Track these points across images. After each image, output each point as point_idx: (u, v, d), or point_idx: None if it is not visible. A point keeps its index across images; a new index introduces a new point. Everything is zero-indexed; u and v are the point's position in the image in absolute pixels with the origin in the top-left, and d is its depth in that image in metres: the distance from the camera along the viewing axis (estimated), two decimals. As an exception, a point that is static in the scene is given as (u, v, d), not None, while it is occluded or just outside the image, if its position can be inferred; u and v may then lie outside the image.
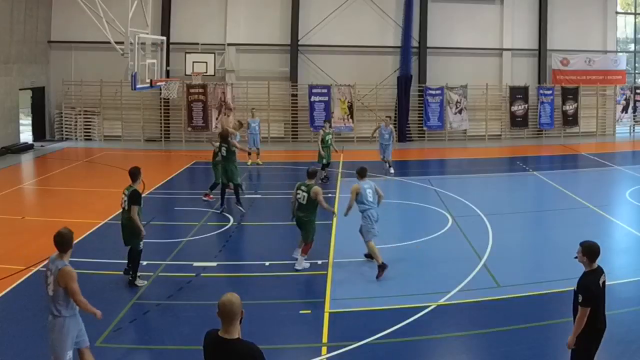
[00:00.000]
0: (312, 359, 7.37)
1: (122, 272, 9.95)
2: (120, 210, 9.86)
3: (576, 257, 6.10)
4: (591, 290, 5.87)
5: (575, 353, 6.03)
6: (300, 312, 8.66)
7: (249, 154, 20.29)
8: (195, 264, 10.69)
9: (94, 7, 15.56)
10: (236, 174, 14.24)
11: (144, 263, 10.71)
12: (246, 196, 15.79)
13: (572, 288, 6.07)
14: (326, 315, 8.53)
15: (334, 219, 12.25)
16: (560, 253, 10.72)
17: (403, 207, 15.52)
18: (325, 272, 10.34)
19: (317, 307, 8.81)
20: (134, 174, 9.67)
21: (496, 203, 15.68)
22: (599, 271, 6.04)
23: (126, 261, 10.02)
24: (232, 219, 13.64)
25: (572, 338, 5.98)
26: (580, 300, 5.87)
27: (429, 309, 8.73)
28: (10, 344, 7.63)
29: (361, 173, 10.84)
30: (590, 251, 5.99)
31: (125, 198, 9.53)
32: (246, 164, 19.80)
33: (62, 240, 6.43)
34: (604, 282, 6.03)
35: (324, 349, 7.60)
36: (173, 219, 13.64)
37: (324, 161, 17.50)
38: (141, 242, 9.69)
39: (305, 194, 10.29)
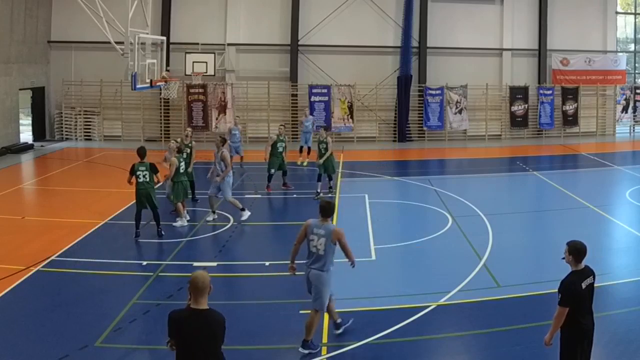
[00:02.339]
0: (312, 359, 7.36)
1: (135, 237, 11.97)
2: (136, 183, 11.96)
3: (563, 258, 6.07)
4: (570, 290, 5.81)
5: (560, 353, 6.02)
6: (300, 312, 8.64)
7: (300, 152, 20.77)
8: (195, 264, 10.69)
9: (94, 7, 15.57)
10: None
11: (144, 263, 10.75)
12: (246, 196, 15.81)
13: None
14: (326, 315, 8.52)
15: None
16: (560, 253, 10.73)
17: (403, 207, 15.52)
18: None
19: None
20: (142, 152, 12.05)
21: (496, 203, 15.67)
22: (586, 272, 5.96)
23: (125, 261, 10.33)
24: (232, 219, 13.63)
25: (549, 335, 5.98)
26: (558, 299, 5.86)
27: (429, 309, 8.73)
28: (10, 344, 7.62)
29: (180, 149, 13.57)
30: (575, 250, 5.94)
31: (147, 172, 11.90)
32: (296, 164, 20.16)
33: (329, 208, 7.72)
34: (590, 285, 5.94)
35: (324, 349, 7.60)
36: (173, 219, 13.62)
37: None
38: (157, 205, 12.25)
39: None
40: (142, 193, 11.92)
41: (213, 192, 13.55)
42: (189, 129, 16.20)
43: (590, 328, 5.96)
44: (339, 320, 8.04)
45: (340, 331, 8.00)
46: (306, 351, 7.44)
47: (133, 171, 11.96)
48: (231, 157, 15.33)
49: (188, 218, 13.41)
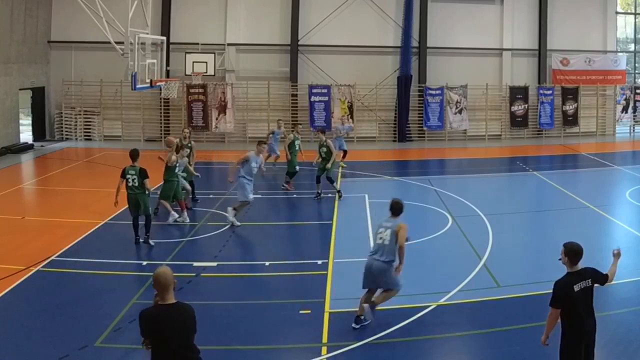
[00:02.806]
0: (312, 359, 7.36)
1: (143, 241, 11.66)
2: (125, 188, 11.54)
3: (560, 259, 6.04)
4: (560, 291, 5.78)
5: (560, 353, 5.99)
6: (300, 312, 8.65)
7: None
8: (195, 264, 10.69)
9: (94, 7, 15.57)
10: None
11: (144, 263, 10.75)
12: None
13: None
14: (326, 315, 8.52)
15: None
16: (560, 253, 10.76)
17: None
18: (325, 272, 10.33)
19: (317, 307, 8.80)
20: (134, 154, 11.62)
21: (496, 203, 15.68)
22: (582, 275, 5.88)
23: (125, 261, 10.37)
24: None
25: (544, 335, 5.99)
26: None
27: (429, 309, 8.73)
28: (10, 344, 7.62)
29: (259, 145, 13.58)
30: (571, 252, 5.89)
31: (135, 176, 11.41)
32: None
33: (397, 207, 8.30)
34: (586, 288, 5.84)
35: (324, 349, 7.59)
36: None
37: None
38: (150, 208, 11.79)
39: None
40: (131, 198, 11.51)
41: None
42: (187, 130, 16.14)
43: (589, 331, 5.89)
44: (362, 317, 8.13)
45: (357, 327, 8.08)
46: (356, 326, 8.05)
47: (123, 174, 11.56)
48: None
49: (176, 216, 13.08)
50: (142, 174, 11.49)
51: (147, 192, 11.59)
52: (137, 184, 11.44)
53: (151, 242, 11.63)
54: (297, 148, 17.07)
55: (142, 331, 4.95)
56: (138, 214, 11.60)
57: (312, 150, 20.30)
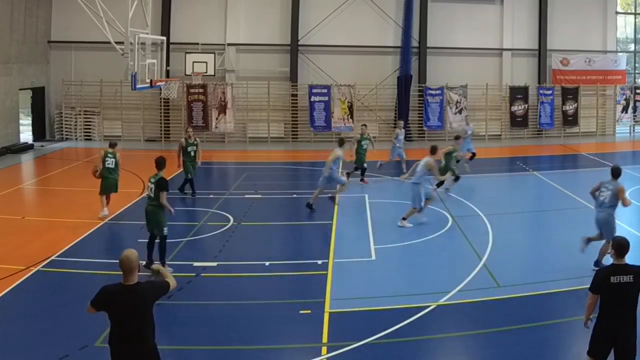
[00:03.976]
0: (312, 359, 7.36)
1: (144, 266, 9.59)
2: (146, 197, 10.63)
3: (609, 252, 6.14)
4: (598, 277, 5.94)
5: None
6: (300, 312, 8.65)
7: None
8: (195, 264, 10.69)
9: (94, 7, 15.56)
10: None
11: (144, 263, 10.73)
12: (246, 196, 15.81)
13: (573, 287, 6.06)
14: (326, 315, 8.52)
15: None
16: (560, 253, 10.75)
17: (403, 207, 15.48)
18: (325, 272, 10.33)
19: (317, 307, 8.80)
20: (160, 162, 10.30)
21: (496, 203, 15.67)
22: (624, 270, 5.87)
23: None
24: (232, 219, 13.64)
25: (585, 318, 6.13)
26: None
27: (429, 309, 8.73)
28: (10, 344, 7.62)
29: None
30: (617, 245, 6.04)
31: (152, 185, 10.14)
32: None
33: (618, 172, 10.40)
34: (625, 283, 5.80)
35: (324, 349, 7.59)
36: (173, 219, 13.58)
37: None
38: (165, 228, 10.22)
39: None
40: (146, 209, 10.34)
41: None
42: (190, 129, 16.51)
43: (618, 331, 5.82)
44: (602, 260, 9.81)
45: (595, 268, 9.23)
46: (596, 268, 9.34)
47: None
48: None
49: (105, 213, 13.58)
50: (160, 185, 10.07)
51: (162, 207, 10.17)
52: (153, 195, 10.18)
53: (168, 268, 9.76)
54: (364, 147, 17.72)
55: (95, 299, 5.42)
56: (153, 232, 10.33)
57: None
